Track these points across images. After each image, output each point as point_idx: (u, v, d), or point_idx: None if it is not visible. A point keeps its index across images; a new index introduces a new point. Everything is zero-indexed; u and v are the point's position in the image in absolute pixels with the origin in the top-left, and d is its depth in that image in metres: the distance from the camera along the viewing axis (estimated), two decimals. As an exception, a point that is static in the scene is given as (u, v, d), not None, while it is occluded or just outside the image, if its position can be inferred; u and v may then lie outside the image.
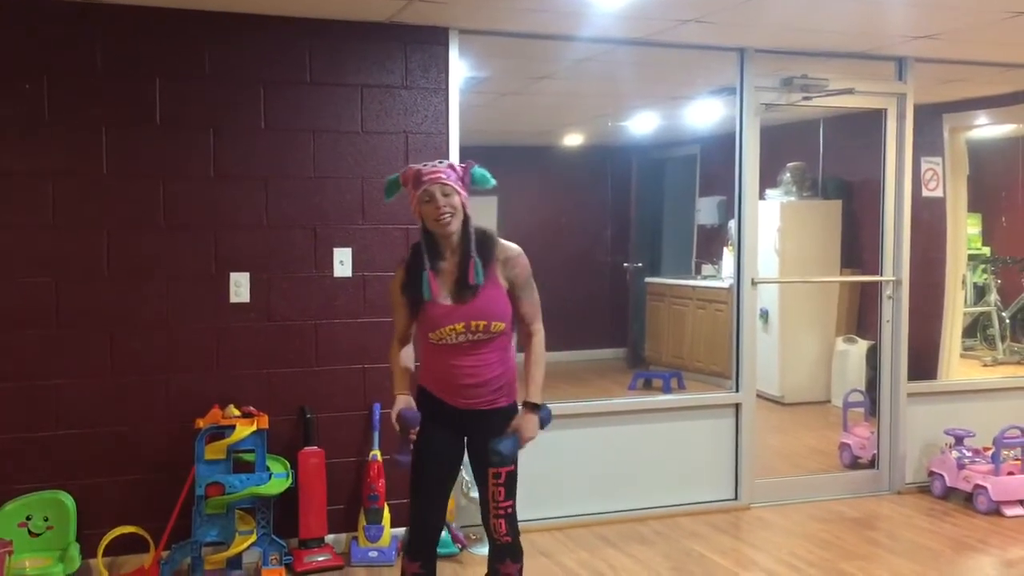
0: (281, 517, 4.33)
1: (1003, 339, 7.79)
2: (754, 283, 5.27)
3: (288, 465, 4.31)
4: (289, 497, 4.31)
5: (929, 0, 4.19)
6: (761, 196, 5.37)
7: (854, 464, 5.80)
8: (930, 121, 6.09)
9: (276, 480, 4.16)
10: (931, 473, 5.50)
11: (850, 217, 7.58)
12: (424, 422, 3.10)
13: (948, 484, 5.38)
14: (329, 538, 4.45)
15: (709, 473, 5.25)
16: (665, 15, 4.38)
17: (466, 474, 4.31)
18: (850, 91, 5.28)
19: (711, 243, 8.73)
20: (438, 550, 4.40)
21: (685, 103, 7.26)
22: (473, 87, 5.36)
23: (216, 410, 4.20)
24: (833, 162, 7.75)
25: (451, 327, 3.01)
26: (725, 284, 7.60)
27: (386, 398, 3.16)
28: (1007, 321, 7.83)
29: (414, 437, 3.08)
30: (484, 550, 3.36)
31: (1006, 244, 7.83)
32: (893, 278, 5.50)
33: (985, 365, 7.55)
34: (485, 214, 8.98)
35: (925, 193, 5.81)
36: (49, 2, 4.04)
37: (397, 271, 3.14)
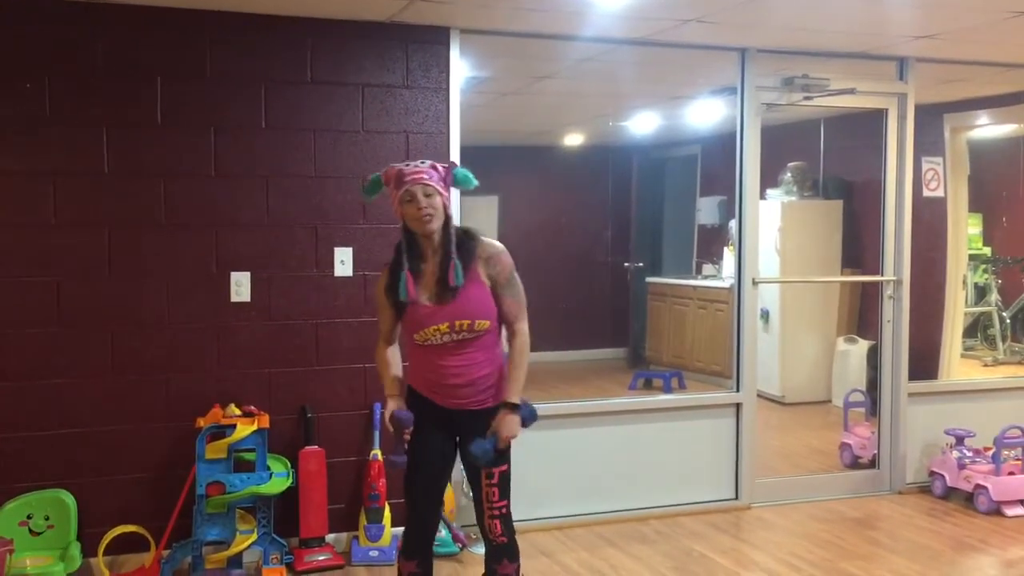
0: (282, 516, 4.33)
1: (1004, 339, 7.78)
2: (755, 283, 5.27)
3: (289, 464, 4.32)
4: (290, 496, 4.31)
5: (930, 0, 4.18)
6: (762, 196, 5.36)
7: (855, 464, 5.80)
8: (931, 121, 6.09)
9: (277, 479, 4.17)
10: (932, 473, 5.51)
11: (851, 217, 7.58)
12: (416, 425, 3.10)
13: (949, 484, 5.38)
14: (330, 537, 4.45)
15: (710, 473, 5.25)
16: (666, 15, 4.38)
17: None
18: (851, 91, 5.28)
19: (712, 243, 8.72)
20: (439, 550, 4.44)
21: (686, 103, 7.26)
22: (474, 87, 5.36)
23: (217, 409, 4.20)
24: (834, 162, 7.75)
25: (435, 327, 3.01)
26: (726, 284, 7.59)
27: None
28: (1008, 321, 7.83)
29: (408, 437, 3.08)
30: (483, 550, 3.35)
31: (1007, 244, 7.82)
32: (894, 278, 5.50)
33: (986, 365, 7.55)
34: (486, 214, 9.06)
35: (926, 193, 5.81)
36: (50, 2, 4.04)
37: (383, 273, 3.14)
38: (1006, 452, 5.21)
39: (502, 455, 3.10)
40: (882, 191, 5.51)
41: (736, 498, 5.29)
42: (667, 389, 7.74)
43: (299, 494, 4.36)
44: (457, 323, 3.01)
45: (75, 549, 4.04)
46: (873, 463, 5.64)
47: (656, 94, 7.07)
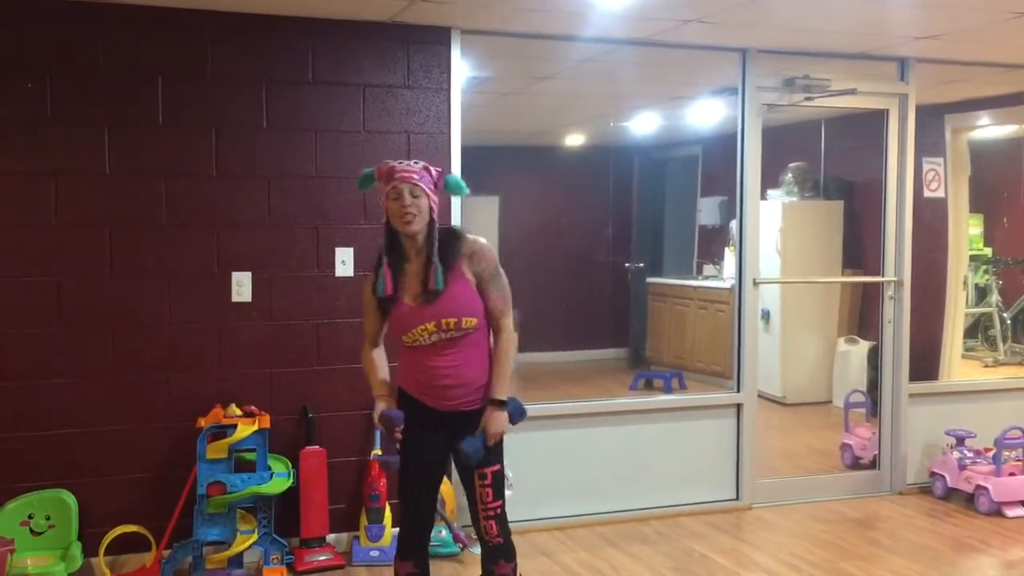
0: (282, 516, 4.34)
1: (1004, 340, 7.79)
2: (756, 283, 5.27)
3: (289, 464, 4.32)
4: (290, 496, 4.31)
5: (931, 1, 4.19)
6: (763, 196, 5.36)
7: (855, 465, 5.80)
8: (932, 122, 6.09)
9: (277, 479, 4.17)
10: (932, 474, 5.50)
11: (852, 217, 7.58)
12: (407, 426, 3.10)
13: (949, 485, 5.37)
14: (330, 537, 4.46)
15: (710, 473, 5.25)
16: (667, 15, 4.38)
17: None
18: (852, 92, 5.28)
19: (712, 243, 8.72)
20: (440, 550, 4.45)
21: (687, 103, 7.26)
22: (475, 87, 5.36)
23: (218, 409, 4.20)
24: (835, 162, 7.75)
25: (422, 327, 3.01)
26: (726, 284, 7.59)
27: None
28: (1008, 322, 7.83)
29: (400, 436, 3.08)
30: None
31: (1007, 245, 7.82)
32: (895, 279, 5.50)
33: (986, 366, 7.55)
34: (487, 214, 9.05)
35: (927, 194, 5.81)
36: (51, 2, 4.05)
37: (370, 274, 3.15)
38: (1007, 453, 5.21)
39: (493, 453, 3.09)
40: (883, 192, 5.51)
41: (737, 498, 5.29)
42: (668, 389, 7.74)
43: (300, 494, 4.36)
44: (444, 321, 3.00)
45: (76, 549, 4.04)
46: (874, 464, 5.64)
47: (657, 94, 7.07)
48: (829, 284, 7.67)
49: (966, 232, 6.78)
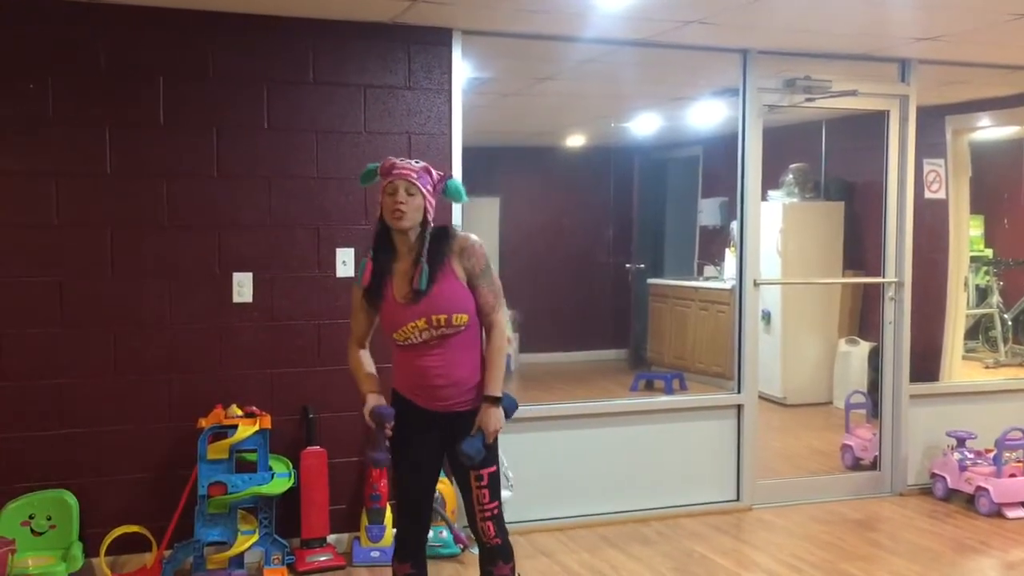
0: (283, 517, 4.34)
1: (1005, 341, 7.79)
2: (756, 284, 5.27)
3: (290, 465, 4.32)
4: (291, 497, 4.32)
5: (932, 2, 4.19)
6: (763, 197, 5.36)
7: (856, 466, 5.80)
8: (933, 123, 6.09)
9: (278, 480, 4.17)
10: (933, 475, 5.50)
11: (852, 219, 7.59)
12: (401, 427, 3.10)
13: (950, 486, 5.37)
14: (331, 538, 4.46)
15: (711, 474, 5.25)
16: (668, 16, 4.38)
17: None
18: (853, 93, 5.28)
19: (713, 244, 8.72)
20: (441, 551, 4.45)
21: (687, 104, 7.26)
22: (476, 88, 5.36)
23: (219, 410, 4.21)
24: (836, 163, 7.76)
25: (412, 324, 3.00)
26: (727, 285, 7.59)
27: (387, 398, 3.17)
28: (1009, 323, 7.83)
29: (390, 432, 3.07)
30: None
31: (1008, 246, 7.83)
32: (895, 280, 5.50)
33: (987, 367, 7.55)
34: (488, 214, 9.05)
35: (927, 195, 5.81)
36: (53, 2, 4.05)
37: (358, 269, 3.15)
38: (1007, 454, 5.21)
39: (490, 454, 3.09)
40: (884, 193, 5.51)
41: (737, 499, 5.29)
42: (668, 390, 7.74)
43: (301, 495, 4.36)
44: (434, 318, 2.99)
45: (77, 549, 4.04)
46: (874, 465, 5.64)
47: (658, 95, 7.07)
48: (830, 285, 7.67)
49: (967, 233, 6.78)
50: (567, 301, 9.24)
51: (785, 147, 7.50)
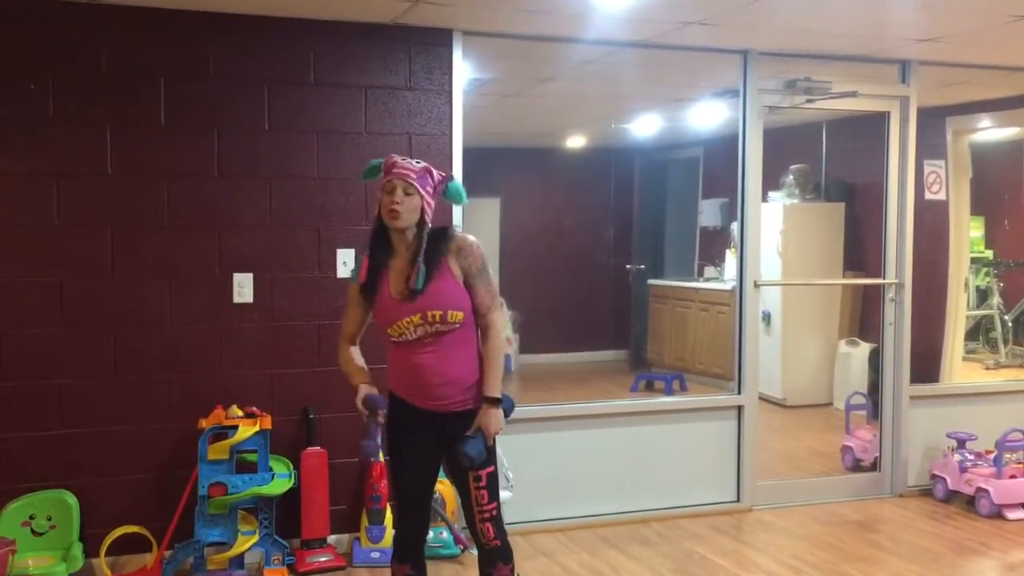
0: (283, 517, 4.34)
1: (1005, 342, 7.80)
2: (757, 285, 5.27)
3: (291, 465, 4.32)
4: (291, 497, 4.32)
5: (932, 3, 4.19)
6: (764, 198, 5.37)
7: (856, 467, 5.80)
8: (933, 124, 6.10)
9: (279, 480, 4.17)
10: (933, 476, 5.50)
11: (853, 220, 7.59)
12: (398, 428, 3.10)
13: (950, 487, 5.37)
14: (331, 538, 4.46)
15: (711, 475, 5.25)
16: (668, 17, 4.39)
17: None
18: (853, 94, 5.28)
19: (714, 245, 8.73)
20: (441, 552, 4.45)
21: (688, 105, 7.27)
22: (476, 89, 5.37)
23: (219, 410, 4.21)
24: (836, 165, 7.76)
25: (408, 319, 3.00)
26: (727, 286, 7.60)
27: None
28: (1009, 324, 7.84)
29: (382, 420, 3.06)
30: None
31: (1009, 247, 7.84)
32: (895, 281, 5.50)
33: (987, 368, 7.56)
34: (488, 215, 9.05)
35: (928, 196, 5.82)
36: (53, 3, 4.05)
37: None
38: (1008, 455, 5.21)
39: (489, 454, 3.09)
40: (884, 194, 5.51)
41: (737, 500, 5.29)
42: (668, 391, 7.75)
43: (301, 495, 4.36)
44: (430, 314, 2.99)
45: (77, 549, 4.04)
46: (874, 466, 5.64)
47: (658, 96, 7.08)
48: (830, 286, 7.67)
49: (967, 234, 6.79)
50: (567, 302, 9.24)
51: (785, 148, 7.50)
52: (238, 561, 4.17)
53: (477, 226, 5.43)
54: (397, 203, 2.97)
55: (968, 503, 5.29)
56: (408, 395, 3.11)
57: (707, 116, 7.24)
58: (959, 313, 6.59)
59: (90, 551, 4.14)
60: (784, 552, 4.62)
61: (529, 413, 4.76)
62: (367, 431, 3.06)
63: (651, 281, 9.31)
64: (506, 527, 3.20)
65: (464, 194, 3.17)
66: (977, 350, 7.86)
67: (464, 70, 4.67)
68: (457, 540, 4.48)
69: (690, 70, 5.71)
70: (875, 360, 5.86)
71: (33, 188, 4.09)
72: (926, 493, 5.55)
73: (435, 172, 3.07)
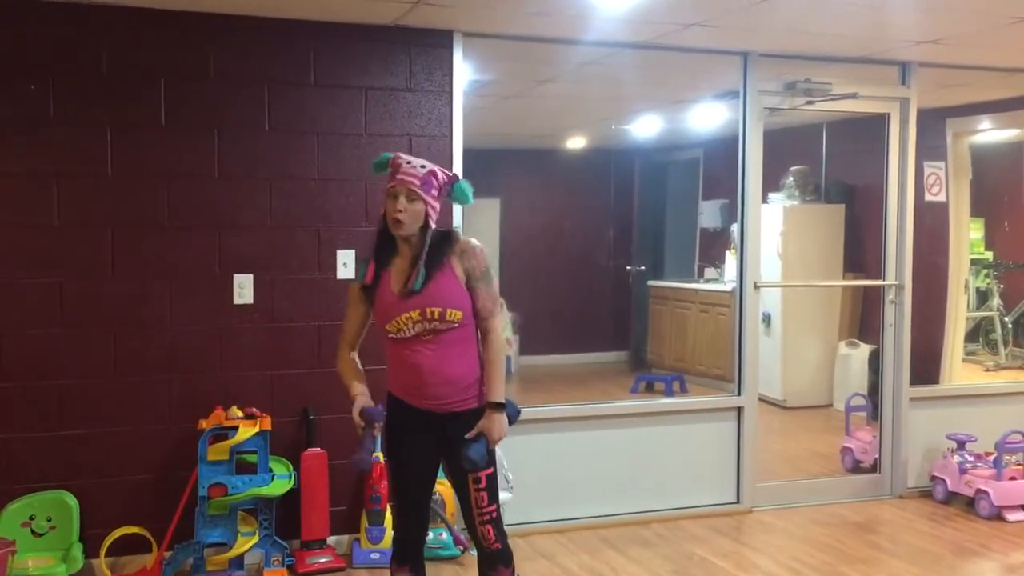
0: (283, 518, 4.34)
1: (1005, 344, 7.80)
2: (757, 287, 5.27)
3: (291, 466, 4.32)
4: (291, 498, 4.32)
5: (933, 5, 4.19)
6: (764, 200, 5.37)
7: (856, 468, 5.80)
8: (933, 125, 6.10)
9: (279, 481, 4.17)
10: (933, 477, 5.50)
11: (853, 221, 7.60)
12: (397, 429, 3.10)
13: (950, 489, 5.37)
14: (331, 539, 4.46)
15: (711, 476, 5.25)
16: (669, 19, 4.39)
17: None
18: (853, 96, 5.28)
19: (714, 246, 8.73)
20: (441, 553, 4.45)
21: (688, 107, 7.27)
22: (477, 90, 5.37)
23: (219, 411, 4.21)
24: (836, 166, 7.76)
25: (406, 315, 3.00)
26: (728, 288, 7.60)
27: (382, 402, 3.16)
28: (1009, 326, 7.84)
29: (378, 433, 3.06)
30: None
31: (1008, 249, 7.84)
32: (895, 282, 5.50)
33: (987, 370, 7.56)
34: (488, 216, 9.05)
35: (928, 197, 5.82)
36: (54, 3, 4.05)
37: (360, 265, 3.15)
38: (1007, 457, 5.21)
39: (489, 455, 3.09)
40: (884, 195, 5.51)
41: (737, 502, 5.29)
42: (669, 393, 7.75)
43: (301, 496, 4.36)
44: (428, 311, 2.99)
45: (77, 550, 4.04)
46: (874, 467, 5.64)
47: (658, 98, 7.08)
48: (830, 288, 7.68)
49: (967, 236, 6.79)
50: (567, 303, 9.25)
51: (786, 150, 7.51)
52: (238, 562, 4.17)
53: (477, 227, 5.43)
54: (400, 211, 2.96)
55: (968, 505, 5.29)
56: (407, 395, 3.11)
57: (707, 117, 7.25)
58: (959, 315, 6.60)
59: (90, 552, 4.14)
60: (784, 553, 4.62)
61: (529, 414, 4.75)
62: (362, 444, 3.05)
63: (651, 282, 9.31)
64: (506, 528, 3.20)
65: (470, 195, 3.13)
66: (977, 352, 7.87)
67: (464, 71, 4.67)
68: (457, 541, 4.48)
69: (690, 72, 5.71)
70: (875, 361, 5.86)
71: (33, 188, 4.10)
72: (926, 494, 5.54)
73: (440, 174, 3.05)
